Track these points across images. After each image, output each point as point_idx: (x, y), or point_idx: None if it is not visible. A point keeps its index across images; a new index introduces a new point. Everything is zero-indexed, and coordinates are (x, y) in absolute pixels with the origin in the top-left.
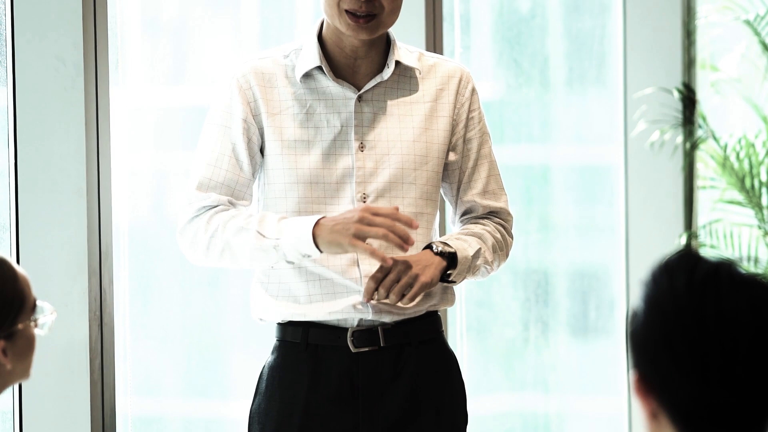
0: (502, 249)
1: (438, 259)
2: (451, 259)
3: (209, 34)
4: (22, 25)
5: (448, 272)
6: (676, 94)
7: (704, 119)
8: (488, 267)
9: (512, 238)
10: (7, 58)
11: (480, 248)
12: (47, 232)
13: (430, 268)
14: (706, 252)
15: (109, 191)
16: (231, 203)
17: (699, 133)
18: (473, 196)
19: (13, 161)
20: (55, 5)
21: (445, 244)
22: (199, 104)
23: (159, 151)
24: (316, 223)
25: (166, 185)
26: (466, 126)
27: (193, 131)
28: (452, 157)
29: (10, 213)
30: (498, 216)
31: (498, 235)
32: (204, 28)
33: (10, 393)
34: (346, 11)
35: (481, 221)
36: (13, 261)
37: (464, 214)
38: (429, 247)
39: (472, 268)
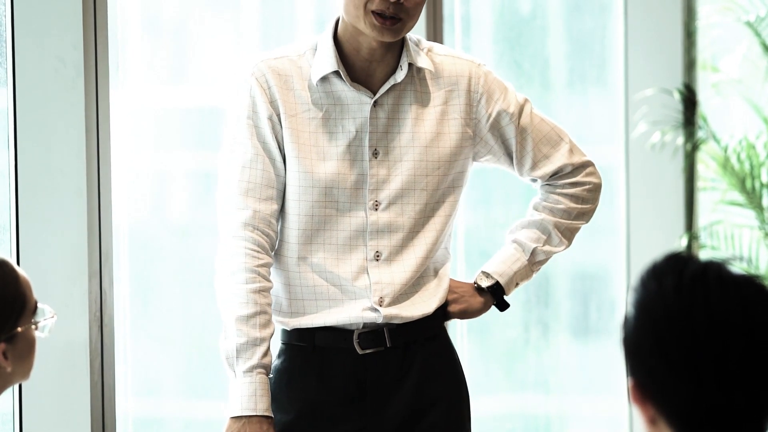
0: (575, 218)
1: (488, 298)
2: (498, 290)
3: (209, 34)
4: (22, 25)
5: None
6: (677, 95)
7: (705, 120)
8: (553, 253)
9: (590, 184)
10: (7, 58)
11: (535, 248)
12: (47, 233)
13: (478, 313)
14: (703, 253)
15: (110, 192)
16: (269, 222)
17: (700, 134)
18: (528, 172)
19: (14, 162)
20: (55, 6)
21: (487, 275)
22: (199, 105)
23: (159, 151)
24: (235, 417)
25: (167, 186)
26: (497, 120)
27: (193, 132)
28: (492, 160)
29: (11, 214)
30: (562, 177)
31: (561, 206)
32: (204, 28)
33: (10, 394)
34: (373, 12)
35: (543, 201)
36: (14, 263)
37: (534, 180)
38: (481, 286)
39: (528, 274)
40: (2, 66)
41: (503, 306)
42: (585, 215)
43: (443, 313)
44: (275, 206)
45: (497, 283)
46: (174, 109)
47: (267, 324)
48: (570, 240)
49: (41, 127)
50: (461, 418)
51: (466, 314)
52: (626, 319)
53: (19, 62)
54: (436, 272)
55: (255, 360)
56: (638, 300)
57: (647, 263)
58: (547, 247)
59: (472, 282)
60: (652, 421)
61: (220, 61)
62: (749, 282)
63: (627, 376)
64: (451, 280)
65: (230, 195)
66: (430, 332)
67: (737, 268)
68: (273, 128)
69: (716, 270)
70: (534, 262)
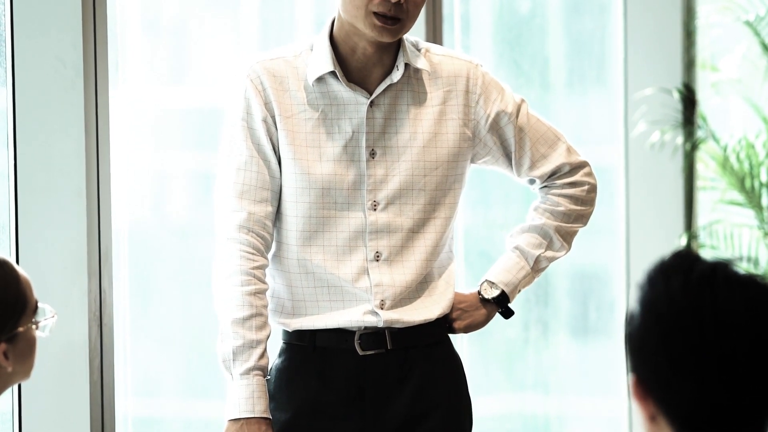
0: (574, 220)
1: (492, 308)
2: (503, 300)
3: (209, 34)
4: (22, 25)
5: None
6: (677, 95)
7: (704, 120)
8: (555, 259)
9: (588, 184)
10: (6, 58)
11: (538, 255)
12: (47, 233)
13: (482, 325)
14: (703, 253)
15: (109, 192)
16: (264, 224)
17: (699, 133)
18: (526, 172)
19: (13, 162)
20: (54, 6)
21: (492, 285)
22: (198, 105)
23: (159, 151)
24: (233, 419)
25: (166, 186)
26: (495, 120)
27: (193, 132)
28: (491, 161)
29: (10, 214)
30: (560, 177)
31: (561, 209)
32: (204, 28)
33: (10, 394)
34: (374, 13)
35: (543, 204)
36: (14, 263)
37: (532, 182)
38: (484, 296)
39: (530, 281)
40: (2, 66)
41: (508, 314)
42: (583, 218)
43: (447, 323)
44: (270, 208)
45: (502, 292)
46: (174, 109)
47: (263, 326)
48: (570, 244)
49: (41, 127)
50: (460, 426)
51: (470, 328)
52: (631, 316)
53: (18, 62)
54: (440, 276)
55: (252, 362)
56: (645, 297)
57: (654, 260)
58: (549, 253)
59: (476, 292)
60: (651, 418)
61: (219, 62)
62: (756, 283)
63: (629, 372)
64: (455, 293)
65: (225, 197)
66: (431, 339)
67: (743, 269)
68: (268, 130)
69: (724, 270)
70: (537, 270)
